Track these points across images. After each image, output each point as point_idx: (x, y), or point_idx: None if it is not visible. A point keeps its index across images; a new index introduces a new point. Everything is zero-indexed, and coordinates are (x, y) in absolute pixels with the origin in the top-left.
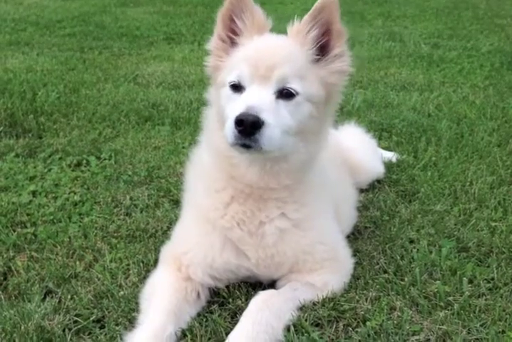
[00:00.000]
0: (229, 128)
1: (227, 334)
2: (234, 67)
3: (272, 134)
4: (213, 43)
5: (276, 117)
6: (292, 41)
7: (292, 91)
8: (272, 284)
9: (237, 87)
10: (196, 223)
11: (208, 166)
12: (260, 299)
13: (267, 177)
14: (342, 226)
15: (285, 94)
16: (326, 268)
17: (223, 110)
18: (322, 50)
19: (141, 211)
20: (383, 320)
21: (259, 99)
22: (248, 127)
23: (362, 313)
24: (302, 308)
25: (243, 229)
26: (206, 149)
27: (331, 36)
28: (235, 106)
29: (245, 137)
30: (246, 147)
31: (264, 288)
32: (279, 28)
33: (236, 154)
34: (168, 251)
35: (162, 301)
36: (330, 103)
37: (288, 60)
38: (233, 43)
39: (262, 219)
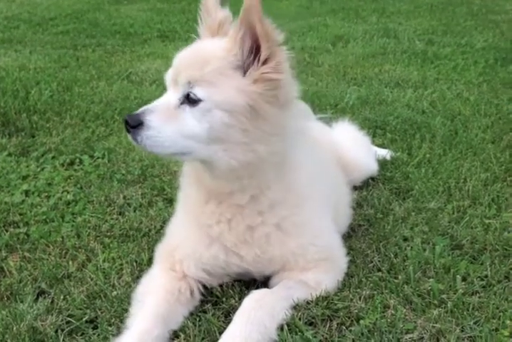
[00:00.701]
0: None
1: (220, 333)
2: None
3: (154, 136)
4: None
5: (169, 121)
6: (223, 45)
7: (193, 97)
8: (265, 283)
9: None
10: (184, 218)
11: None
12: (253, 298)
13: (212, 179)
14: (338, 225)
15: (190, 99)
16: (319, 267)
17: None
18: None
19: (134, 210)
20: (376, 319)
21: (157, 102)
22: (129, 128)
23: (356, 311)
24: (296, 307)
25: (223, 228)
26: None
27: (259, 39)
28: None
29: (132, 136)
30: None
31: (257, 287)
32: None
33: None
34: (162, 248)
35: (151, 305)
36: (260, 114)
37: (198, 64)
38: None
39: (248, 224)
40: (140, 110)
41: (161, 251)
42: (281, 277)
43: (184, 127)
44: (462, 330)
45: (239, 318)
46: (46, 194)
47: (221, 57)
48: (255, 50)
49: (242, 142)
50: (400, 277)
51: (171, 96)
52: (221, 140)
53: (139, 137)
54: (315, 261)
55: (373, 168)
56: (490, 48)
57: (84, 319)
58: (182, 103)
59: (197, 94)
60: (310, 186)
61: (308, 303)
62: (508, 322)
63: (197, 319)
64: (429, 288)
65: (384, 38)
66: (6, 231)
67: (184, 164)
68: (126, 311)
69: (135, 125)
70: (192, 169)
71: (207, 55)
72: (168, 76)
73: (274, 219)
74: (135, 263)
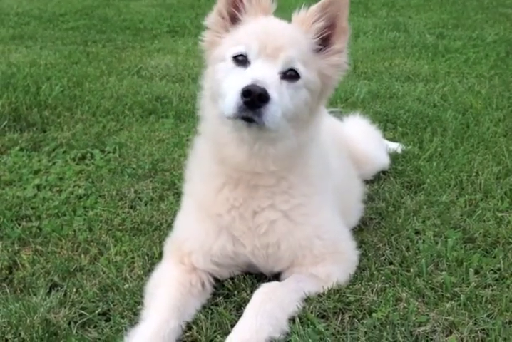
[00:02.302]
0: (233, 99)
1: (232, 326)
2: (239, 41)
3: (275, 111)
4: (212, 19)
5: (279, 96)
6: (296, 27)
7: (298, 73)
8: (277, 276)
9: (240, 61)
10: (192, 210)
11: (203, 152)
12: (263, 291)
13: (254, 159)
14: (348, 218)
15: (289, 76)
16: (328, 260)
17: (219, 84)
18: (323, 42)
19: (146, 204)
20: (389, 312)
21: (266, 74)
22: (256, 99)
23: (368, 304)
24: (308, 300)
25: (234, 215)
26: (201, 135)
27: (335, 31)
28: (239, 78)
29: (250, 109)
30: (248, 121)
31: (269, 281)
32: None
33: (228, 131)
34: (170, 241)
35: (166, 296)
36: (322, 96)
37: (295, 43)
38: (234, 20)
39: (254, 208)
40: (253, 81)
41: (170, 245)
42: (291, 272)
43: (283, 101)
44: (475, 323)
45: (249, 311)
46: (58, 188)
47: (305, 39)
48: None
49: (306, 123)
50: (412, 270)
51: (268, 69)
52: (296, 117)
53: (267, 111)
54: (322, 254)
55: (384, 162)
56: (502, 41)
57: (97, 312)
58: (281, 78)
59: (299, 71)
60: (320, 178)
61: (320, 296)
62: None
63: (209, 312)
64: (442, 281)
65: (394, 32)
66: (19, 224)
67: (192, 155)
68: (138, 303)
69: (266, 100)
70: (214, 153)
71: (296, 36)
72: (254, 47)
73: (284, 206)
74: (146, 257)
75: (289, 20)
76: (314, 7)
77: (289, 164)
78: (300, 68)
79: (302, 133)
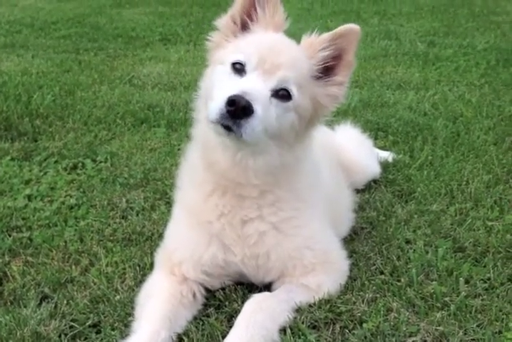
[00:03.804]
0: (218, 105)
1: (223, 337)
2: (242, 49)
3: (255, 126)
4: (224, 22)
5: (264, 112)
6: (302, 50)
7: (290, 94)
8: (268, 287)
9: (237, 69)
10: (183, 219)
11: (193, 159)
12: (254, 302)
13: (237, 169)
14: (339, 228)
15: (280, 95)
16: (319, 270)
17: (213, 86)
18: (325, 71)
19: (137, 214)
20: (379, 322)
21: (257, 88)
22: (239, 110)
23: (359, 314)
24: (299, 311)
25: (224, 222)
26: (193, 139)
27: (340, 63)
28: (231, 85)
29: (231, 118)
30: (227, 129)
31: (260, 291)
32: None
33: (214, 136)
34: (161, 252)
35: (156, 307)
36: (312, 122)
37: (295, 65)
38: (244, 27)
39: (241, 217)
40: (240, 93)
41: (160, 256)
42: (282, 282)
43: (268, 118)
44: (465, 333)
45: (240, 321)
46: (49, 198)
47: (307, 63)
48: (329, 68)
49: (292, 143)
50: (403, 280)
51: (260, 84)
52: (280, 137)
53: (247, 124)
54: (313, 265)
55: (375, 171)
56: (492, 49)
57: (87, 324)
58: (271, 95)
59: (292, 92)
60: (309, 190)
61: (311, 306)
62: (511, 325)
63: (201, 323)
64: (432, 290)
65: (386, 40)
66: (9, 235)
67: (183, 161)
68: (129, 315)
69: (249, 114)
70: (203, 158)
71: (298, 58)
72: (254, 59)
73: (273, 218)
74: (138, 268)
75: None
76: (325, 35)
77: (272, 180)
78: (293, 90)
79: (287, 154)
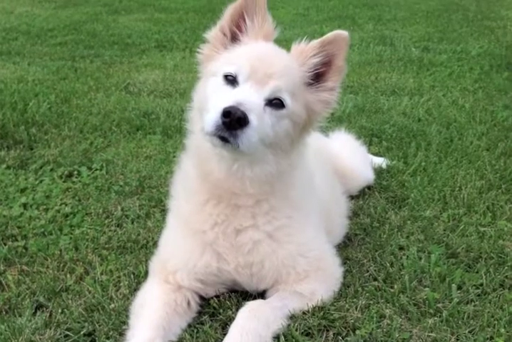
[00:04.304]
0: (213, 117)
1: None
2: (233, 61)
3: (251, 136)
4: (213, 34)
5: (259, 122)
6: (292, 58)
7: (283, 102)
8: (262, 294)
9: (230, 81)
10: (177, 227)
11: (188, 168)
12: (248, 309)
13: (233, 179)
14: (333, 235)
15: (274, 104)
16: (312, 277)
17: (207, 98)
18: (316, 77)
19: (132, 222)
20: (372, 329)
21: (251, 99)
22: (234, 121)
23: (352, 321)
24: (292, 318)
25: (217, 232)
26: (187, 149)
27: (331, 69)
28: (224, 97)
29: (227, 130)
30: (223, 140)
31: (254, 299)
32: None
33: (210, 147)
34: (155, 260)
35: (151, 315)
36: (306, 128)
37: (287, 73)
38: (234, 39)
39: (236, 226)
40: (235, 104)
41: (155, 264)
42: (275, 290)
43: (263, 127)
44: (457, 339)
45: (234, 329)
46: (44, 206)
47: (299, 71)
48: (320, 74)
49: (286, 152)
50: (396, 286)
51: (254, 94)
52: (276, 145)
53: (243, 135)
54: (306, 272)
55: (369, 177)
56: (486, 54)
57: (82, 332)
58: (265, 105)
59: (285, 101)
60: (303, 197)
61: (304, 313)
62: (502, 330)
63: (195, 331)
64: (425, 297)
65: (380, 46)
66: (5, 244)
67: (177, 170)
68: (124, 323)
69: (245, 124)
70: (198, 168)
71: (290, 66)
72: (246, 70)
73: (268, 227)
74: (132, 276)
75: (281, 36)
76: (315, 42)
77: (268, 189)
78: (287, 99)
79: (283, 161)
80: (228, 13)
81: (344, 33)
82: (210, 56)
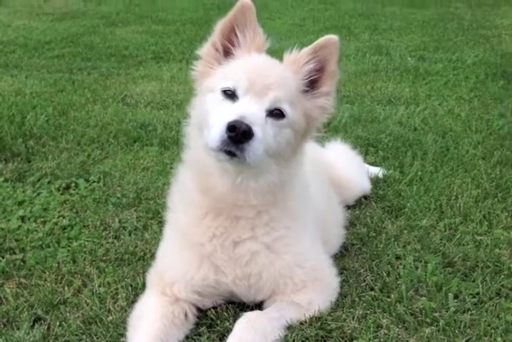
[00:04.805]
0: (217, 132)
1: None
2: (229, 76)
3: (257, 148)
4: (206, 50)
5: (263, 133)
6: (286, 68)
7: (283, 112)
8: (259, 305)
9: (228, 95)
10: (174, 239)
11: (185, 181)
12: (245, 320)
13: (236, 192)
14: (330, 245)
15: (275, 114)
16: (309, 287)
17: (206, 114)
18: (311, 84)
19: (130, 234)
20: (370, 339)
21: (253, 111)
22: (240, 135)
23: (349, 331)
24: (290, 328)
25: (215, 244)
26: (185, 163)
27: (324, 74)
28: (226, 112)
29: (233, 144)
30: (230, 154)
31: (252, 309)
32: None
33: (212, 162)
34: (153, 272)
35: (148, 328)
36: (305, 135)
37: (283, 83)
38: (227, 53)
39: (234, 238)
40: (238, 117)
41: (152, 276)
42: (273, 300)
43: (266, 138)
44: None
45: (231, 340)
46: (42, 219)
47: (294, 79)
48: (314, 80)
49: (288, 160)
50: (393, 296)
51: (255, 106)
52: (278, 154)
53: (249, 147)
54: (303, 282)
55: (366, 187)
56: (481, 63)
57: None
58: (266, 115)
59: (285, 111)
60: (300, 207)
61: (302, 323)
62: (499, 339)
63: None
64: (422, 306)
65: (376, 55)
66: (3, 257)
67: (175, 182)
68: (122, 335)
69: (250, 137)
70: (198, 183)
71: (286, 76)
72: (244, 84)
73: (266, 238)
74: (130, 288)
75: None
76: (306, 49)
77: (271, 199)
78: (286, 108)
79: (285, 169)
80: (219, 28)
81: (333, 37)
82: (204, 73)
